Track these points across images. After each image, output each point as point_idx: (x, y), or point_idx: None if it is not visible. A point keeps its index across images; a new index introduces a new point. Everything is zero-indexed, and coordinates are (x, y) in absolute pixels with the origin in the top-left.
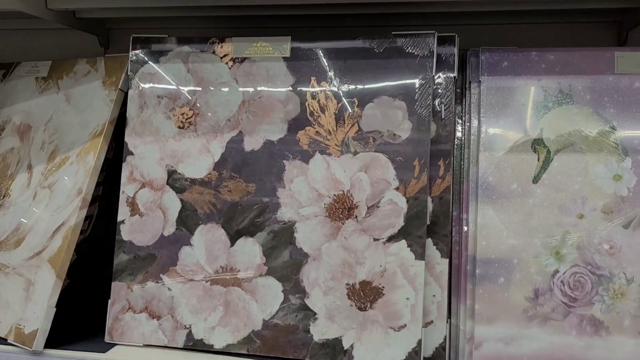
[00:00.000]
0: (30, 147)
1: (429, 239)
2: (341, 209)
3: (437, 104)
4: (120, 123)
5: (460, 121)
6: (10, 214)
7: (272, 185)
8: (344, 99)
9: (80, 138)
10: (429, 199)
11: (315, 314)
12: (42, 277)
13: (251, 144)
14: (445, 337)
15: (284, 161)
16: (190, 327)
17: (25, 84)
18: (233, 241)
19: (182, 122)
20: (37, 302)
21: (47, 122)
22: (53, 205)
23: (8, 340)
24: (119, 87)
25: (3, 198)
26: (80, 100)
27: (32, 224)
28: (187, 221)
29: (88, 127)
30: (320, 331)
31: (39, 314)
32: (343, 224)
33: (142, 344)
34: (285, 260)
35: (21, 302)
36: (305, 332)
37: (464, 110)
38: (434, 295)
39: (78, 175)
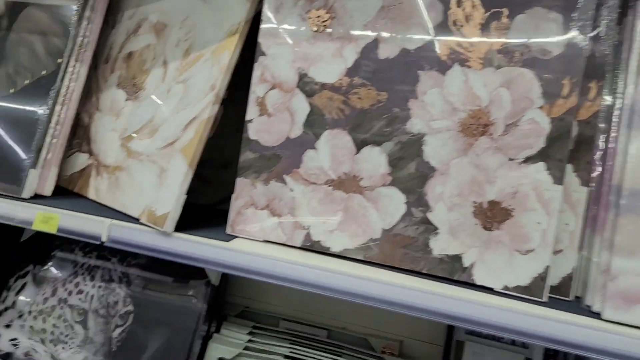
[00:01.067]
0: (166, 44)
1: (569, 165)
2: (476, 124)
3: (597, 20)
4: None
5: (619, 42)
6: (145, 106)
7: (404, 95)
8: (492, 8)
9: (215, 36)
10: (575, 122)
11: (436, 228)
12: (175, 166)
13: (386, 51)
14: (575, 267)
15: (419, 71)
16: (309, 228)
17: None
18: (359, 148)
19: (317, 25)
20: (169, 188)
21: (183, 21)
22: (186, 99)
23: (140, 221)
24: None
25: (139, 91)
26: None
27: (165, 117)
28: (314, 125)
29: (223, 26)
30: (440, 246)
31: (170, 199)
32: (476, 140)
33: (261, 239)
34: (411, 173)
35: (154, 187)
36: (424, 245)
37: (624, 30)
38: (566, 224)
39: (212, 71)
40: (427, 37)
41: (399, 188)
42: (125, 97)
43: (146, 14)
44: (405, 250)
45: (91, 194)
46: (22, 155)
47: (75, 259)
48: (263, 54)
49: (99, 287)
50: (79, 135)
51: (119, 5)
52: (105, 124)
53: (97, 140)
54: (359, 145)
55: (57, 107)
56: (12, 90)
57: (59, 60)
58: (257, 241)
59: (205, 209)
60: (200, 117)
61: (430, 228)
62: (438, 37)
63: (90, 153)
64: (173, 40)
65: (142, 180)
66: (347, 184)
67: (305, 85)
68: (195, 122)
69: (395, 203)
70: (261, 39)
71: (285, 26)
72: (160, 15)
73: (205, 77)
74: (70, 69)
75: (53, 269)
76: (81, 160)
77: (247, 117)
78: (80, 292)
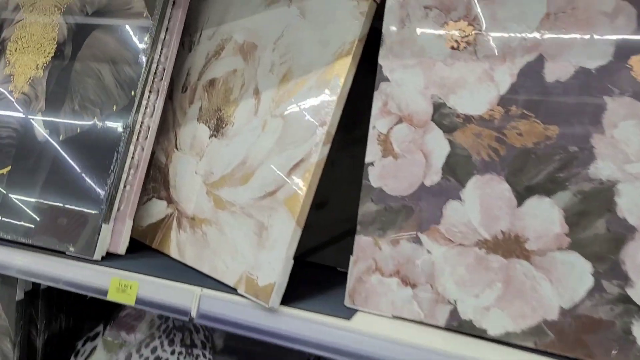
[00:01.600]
0: (257, 68)
1: None
2: None
3: None
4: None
5: None
6: (235, 145)
7: (584, 130)
8: None
9: (320, 59)
10: None
11: None
12: (279, 222)
13: (556, 72)
14: None
15: (605, 97)
16: (455, 302)
17: None
18: (521, 200)
19: (456, 40)
20: (272, 250)
21: (277, 40)
22: (288, 137)
23: (238, 291)
24: None
25: (226, 126)
26: (319, 13)
27: (262, 158)
28: (457, 169)
29: (330, 46)
30: None
31: (274, 265)
32: None
33: (390, 315)
34: (599, 233)
35: (252, 248)
36: (624, 332)
37: None
38: None
39: (320, 102)
40: (614, 52)
41: (581, 253)
42: (209, 133)
43: (230, 33)
44: (597, 337)
45: (173, 251)
46: (92, 208)
47: (152, 319)
48: (385, 79)
49: (180, 353)
50: (155, 177)
51: (196, 25)
52: (186, 165)
53: (177, 186)
54: (522, 195)
55: (131, 148)
56: (78, 130)
57: (132, 93)
58: (385, 317)
59: (297, 260)
60: (308, 161)
61: (631, 309)
62: (630, 53)
63: (169, 200)
64: (266, 63)
65: (237, 238)
66: (507, 246)
67: (443, 117)
68: (302, 166)
69: (577, 273)
70: (382, 61)
71: (414, 44)
72: (247, 34)
73: (312, 110)
74: (144, 102)
75: (126, 332)
76: (159, 208)
77: (368, 158)
78: (157, 359)
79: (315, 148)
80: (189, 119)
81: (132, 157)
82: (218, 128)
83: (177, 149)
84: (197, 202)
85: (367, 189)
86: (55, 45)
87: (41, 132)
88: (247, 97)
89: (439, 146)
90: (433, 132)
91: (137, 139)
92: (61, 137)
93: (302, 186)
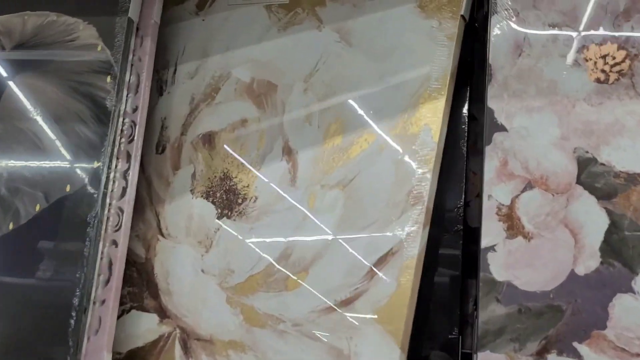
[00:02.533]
0: (283, 117)
1: None
2: None
3: None
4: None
5: None
6: (264, 229)
7: None
8: None
9: (390, 103)
10: None
11: None
12: (368, 346)
13: None
14: None
15: None
16: None
17: (247, 18)
18: None
19: (603, 70)
20: None
21: (309, 77)
22: (356, 216)
23: None
24: (461, 12)
25: (243, 202)
26: (374, 38)
27: (318, 248)
28: (623, 249)
29: (405, 85)
30: None
31: None
32: None
33: None
34: None
35: None
36: None
37: None
38: None
39: (406, 166)
40: None
41: None
42: (215, 212)
43: (226, 69)
44: None
45: None
46: (55, 344)
47: None
48: (500, 128)
49: None
50: (132, 279)
51: (165, 57)
52: (183, 259)
53: (172, 290)
54: None
55: (100, 245)
56: (10, 227)
57: (95, 164)
58: None
59: None
60: (403, 253)
61: None
62: None
63: (162, 313)
64: (296, 109)
65: None
66: None
67: (595, 178)
68: (393, 261)
69: None
70: (493, 103)
71: (540, 77)
72: (257, 69)
73: (390, 175)
74: (112, 175)
75: None
76: (146, 325)
77: (485, 241)
78: None
79: (409, 233)
80: (178, 192)
81: (101, 258)
82: (231, 205)
83: (162, 235)
84: (212, 316)
85: (488, 284)
86: None
87: None
88: (273, 159)
89: (592, 219)
90: (581, 199)
91: (106, 229)
92: None
93: (400, 290)
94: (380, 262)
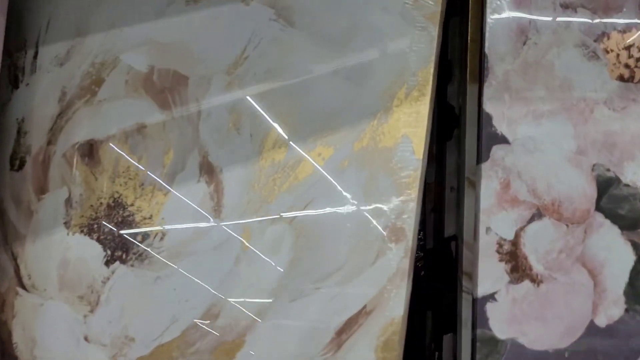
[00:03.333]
0: (198, 122)
1: None
2: None
3: None
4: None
5: None
6: (177, 278)
7: None
8: None
9: (349, 104)
10: None
11: None
12: None
13: None
14: None
15: None
16: None
17: None
18: None
19: (628, 65)
20: None
21: (234, 68)
22: (312, 263)
23: None
24: None
25: (144, 240)
26: (325, 16)
27: (259, 306)
28: None
29: (367, 80)
30: None
31: None
32: None
33: None
34: None
35: None
36: None
37: None
38: None
39: (372, 191)
40: None
41: None
42: (102, 254)
43: (112, 52)
44: None
45: None
46: None
47: None
48: (501, 139)
49: None
50: None
51: (21, 34)
52: (58, 322)
53: None
54: None
55: None
56: None
57: None
58: None
59: None
60: (381, 313)
61: None
62: None
63: None
64: (219, 113)
65: None
66: None
67: (619, 203)
68: (365, 325)
69: None
70: (491, 107)
71: (550, 73)
72: (158, 54)
73: (357, 203)
74: None
75: None
76: None
77: (482, 288)
78: None
79: (393, 285)
80: (45, 225)
81: None
82: (126, 245)
83: (23, 287)
84: None
85: (488, 345)
86: None
87: None
88: (186, 180)
89: (615, 255)
90: (601, 230)
91: None
92: None
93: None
94: (350, 325)
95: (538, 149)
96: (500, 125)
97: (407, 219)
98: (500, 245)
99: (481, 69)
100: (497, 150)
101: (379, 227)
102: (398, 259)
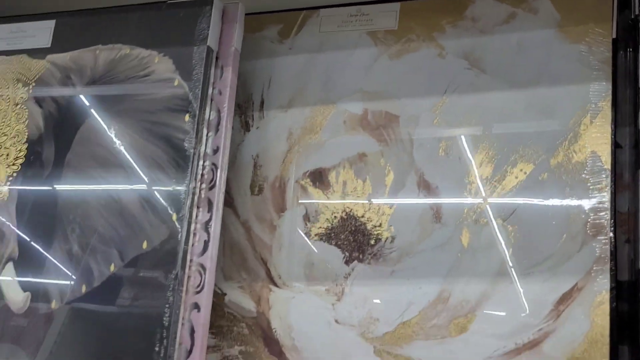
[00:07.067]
0: (413, 150)
1: None
2: None
3: None
4: None
5: None
6: (410, 271)
7: None
8: None
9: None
10: None
11: None
12: None
13: None
14: None
15: None
16: None
17: (346, 45)
18: None
19: None
20: None
21: (439, 107)
22: (526, 253)
23: None
24: (612, 35)
25: (377, 243)
26: (513, 64)
27: (484, 289)
28: None
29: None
30: None
31: None
32: None
33: None
34: None
35: None
36: None
37: None
38: None
39: (571, 196)
40: None
41: None
42: (342, 256)
43: (329, 99)
44: None
45: None
46: None
47: None
48: None
49: None
50: (244, 337)
51: (246, 90)
52: (311, 310)
53: (298, 346)
54: None
55: (181, 312)
56: (83, 290)
57: (174, 216)
58: None
59: None
60: (590, 289)
61: None
62: None
63: None
64: (428, 140)
65: None
66: None
67: None
68: (579, 298)
69: None
70: None
71: None
72: (368, 99)
73: (558, 205)
74: (193, 227)
75: None
76: None
77: None
78: None
79: (598, 266)
80: (288, 236)
81: (182, 324)
82: (361, 247)
83: (275, 284)
84: None
85: None
86: (26, 145)
87: (18, 298)
88: (407, 195)
89: None
90: None
91: (186, 291)
92: (53, 305)
93: (596, 330)
94: (565, 299)
95: None
96: None
97: (604, 215)
98: None
99: (636, 94)
100: None
101: (579, 223)
102: (600, 246)
